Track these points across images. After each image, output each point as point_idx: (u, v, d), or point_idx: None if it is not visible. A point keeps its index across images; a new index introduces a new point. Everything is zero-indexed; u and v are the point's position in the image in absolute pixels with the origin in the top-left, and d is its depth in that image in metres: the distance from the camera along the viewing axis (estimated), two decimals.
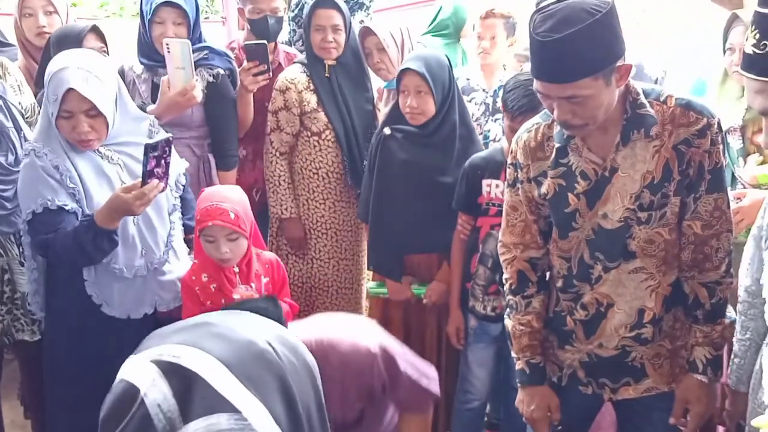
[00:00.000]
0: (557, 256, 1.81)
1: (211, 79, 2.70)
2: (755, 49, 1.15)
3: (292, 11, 3.74)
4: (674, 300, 1.76)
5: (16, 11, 2.70)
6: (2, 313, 2.34)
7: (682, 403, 1.76)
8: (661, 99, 1.65)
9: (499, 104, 2.52)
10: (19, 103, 2.38)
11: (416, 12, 5.18)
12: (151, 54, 2.68)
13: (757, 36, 1.15)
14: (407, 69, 2.52)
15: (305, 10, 3.10)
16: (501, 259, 1.92)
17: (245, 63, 2.81)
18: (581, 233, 1.74)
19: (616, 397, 1.83)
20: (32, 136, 2.12)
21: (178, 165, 2.28)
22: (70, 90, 1.94)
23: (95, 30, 2.64)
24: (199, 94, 2.38)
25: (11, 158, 2.28)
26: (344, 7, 2.98)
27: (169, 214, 2.20)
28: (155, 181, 1.94)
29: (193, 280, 2.18)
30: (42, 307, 2.19)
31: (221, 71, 2.73)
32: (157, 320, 2.14)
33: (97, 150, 2.07)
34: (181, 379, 0.68)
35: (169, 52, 2.35)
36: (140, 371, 0.71)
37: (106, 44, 2.63)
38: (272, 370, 0.71)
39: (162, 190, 2.00)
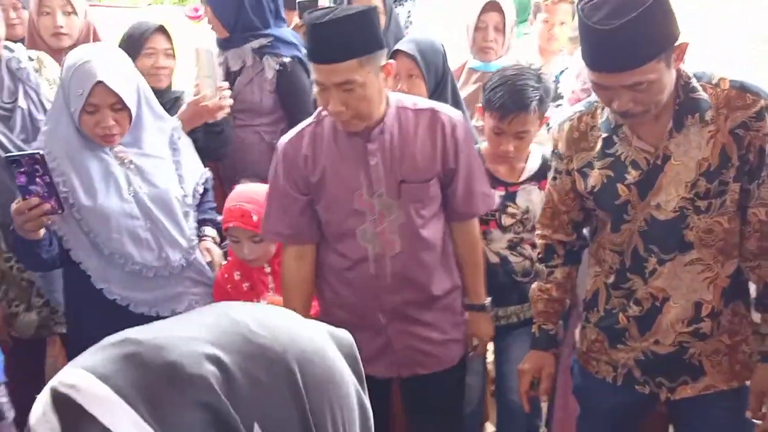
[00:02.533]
0: (609, 250, 1.74)
1: (278, 67, 2.65)
2: None
3: None
4: (733, 293, 1.68)
5: (32, 6, 2.61)
6: (39, 306, 2.31)
7: (759, 396, 1.68)
8: (714, 82, 1.57)
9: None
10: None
11: None
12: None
13: None
14: (399, 51, 2.44)
15: None
16: (536, 229, 1.96)
17: (296, 21, 2.82)
18: (633, 225, 1.67)
19: (674, 396, 1.75)
20: (40, 136, 2.06)
21: (196, 173, 2.21)
22: (98, 83, 1.90)
23: (162, 30, 2.52)
24: (227, 101, 2.31)
25: None
26: None
27: (186, 219, 2.12)
28: (35, 199, 1.82)
29: (225, 278, 2.15)
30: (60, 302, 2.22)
31: (287, 59, 2.67)
32: None
33: (111, 149, 2.02)
34: (72, 414, 0.58)
35: (198, 59, 2.27)
36: (40, 399, 0.61)
37: (172, 45, 2.53)
38: (197, 399, 0.55)
39: (52, 212, 1.86)
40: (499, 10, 2.89)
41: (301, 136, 1.96)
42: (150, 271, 2.05)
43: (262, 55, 2.64)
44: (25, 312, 2.27)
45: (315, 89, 1.87)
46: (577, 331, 1.94)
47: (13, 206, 1.83)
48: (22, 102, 2.22)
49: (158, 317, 2.04)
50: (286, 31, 2.80)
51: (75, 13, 2.59)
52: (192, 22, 5.58)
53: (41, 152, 1.82)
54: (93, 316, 2.04)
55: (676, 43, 1.47)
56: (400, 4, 3.50)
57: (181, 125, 2.23)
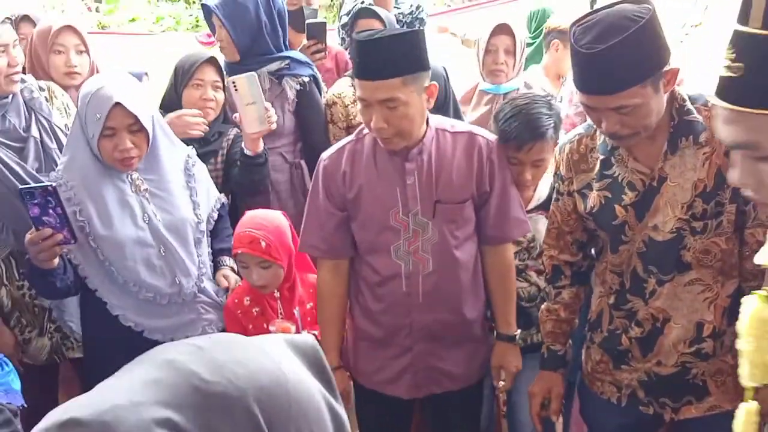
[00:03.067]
0: (609, 271, 1.75)
1: (298, 87, 2.70)
2: (729, 72, 0.92)
3: (340, 19, 3.75)
4: (735, 312, 1.66)
5: (37, 43, 2.62)
6: (51, 331, 2.35)
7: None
8: (709, 104, 1.57)
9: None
10: (65, 125, 2.40)
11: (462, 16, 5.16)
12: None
13: (734, 57, 0.92)
14: None
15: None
16: (543, 250, 1.97)
17: (304, 42, 2.89)
18: (632, 246, 1.68)
19: (678, 416, 1.75)
20: (61, 163, 2.10)
21: (210, 198, 2.24)
22: (115, 105, 1.94)
23: (212, 62, 2.53)
24: (273, 117, 2.30)
25: None
26: (387, 15, 2.94)
27: (197, 246, 2.15)
28: (48, 230, 1.86)
29: (235, 303, 2.17)
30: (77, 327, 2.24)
31: (306, 78, 2.73)
32: None
33: (129, 176, 2.05)
34: None
35: (236, 90, 2.22)
36: None
37: (222, 78, 2.55)
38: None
39: (65, 243, 1.89)
40: (509, 32, 2.92)
41: (341, 153, 2.00)
42: (164, 299, 2.08)
43: (280, 78, 2.69)
44: (38, 337, 2.31)
45: (358, 105, 1.90)
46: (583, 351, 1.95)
47: (27, 237, 1.87)
48: (34, 131, 2.26)
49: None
50: (299, 53, 2.86)
51: (87, 52, 2.64)
52: (205, 47, 5.67)
53: (53, 184, 1.86)
54: (109, 341, 2.06)
55: (666, 68, 1.48)
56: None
57: (194, 151, 2.24)
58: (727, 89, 0.93)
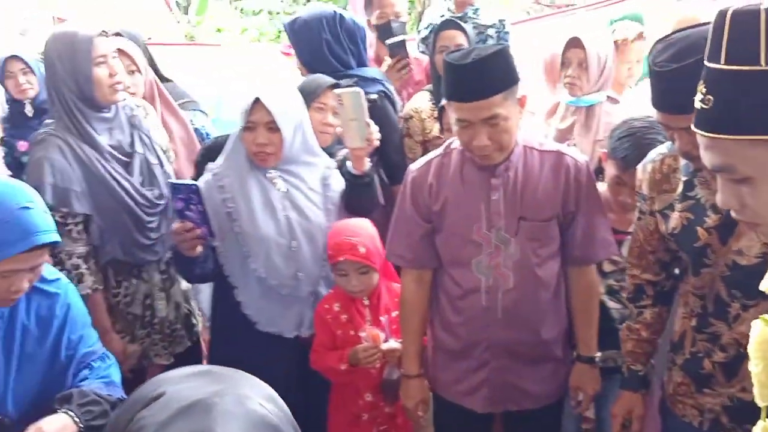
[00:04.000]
0: (690, 293, 1.73)
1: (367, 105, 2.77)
2: (702, 105, 1.03)
3: (419, 32, 3.81)
4: None
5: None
6: (142, 337, 2.48)
7: None
8: None
9: None
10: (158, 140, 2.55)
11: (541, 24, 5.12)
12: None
13: (704, 90, 1.03)
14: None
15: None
16: (626, 268, 1.97)
17: (388, 60, 2.98)
18: (714, 270, 1.65)
19: None
20: (221, 156, 2.26)
21: (343, 210, 2.35)
22: (256, 100, 2.11)
23: (336, 87, 2.55)
24: (376, 135, 2.32)
25: (156, 192, 2.42)
26: (469, 29, 2.97)
27: (324, 251, 2.26)
28: (190, 224, 2.02)
29: (325, 309, 2.24)
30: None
31: (374, 95, 2.76)
32: (301, 341, 2.27)
33: (269, 173, 2.21)
34: None
35: (341, 103, 2.24)
36: None
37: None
38: None
39: (201, 237, 2.04)
40: (581, 46, 2.90)
41: (428, 166, 2.06)
42: (284, 288, 2.23)
43: None
44: (130, 344, 2.44)
45: (454, 127, 1.91)
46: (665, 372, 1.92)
47: (173, 226, 2.07)
48: (139, 147, 2.41)
49: (280, 337, 2.25)
50: (369, 70, 2.91)
51: (139, 71, 2.74)
52: (287, 58, 5.83)
53: (197, 184, 2.05)
54: (231, 329, 2.26)
55: None
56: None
57: (335, 164, 2.36)
58: (701, 119, 1.04)
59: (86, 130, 2.28)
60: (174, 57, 4.04)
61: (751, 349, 1.15)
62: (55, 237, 1.62)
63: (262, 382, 0.78)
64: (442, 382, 2.14)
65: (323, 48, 2.76)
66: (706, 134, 1.03)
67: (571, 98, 2.95)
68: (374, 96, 2.76)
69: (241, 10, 9.07)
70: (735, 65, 0.98)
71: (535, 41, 4.80)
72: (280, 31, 7.71)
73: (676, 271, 1.89)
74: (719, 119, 1.01)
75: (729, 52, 0.99)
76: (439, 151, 2.09)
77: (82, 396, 1.66)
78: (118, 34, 2.44)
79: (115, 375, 1.85)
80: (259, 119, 2.12)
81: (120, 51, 2.57)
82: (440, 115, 2.85)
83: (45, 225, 1.61)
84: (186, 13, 8.69)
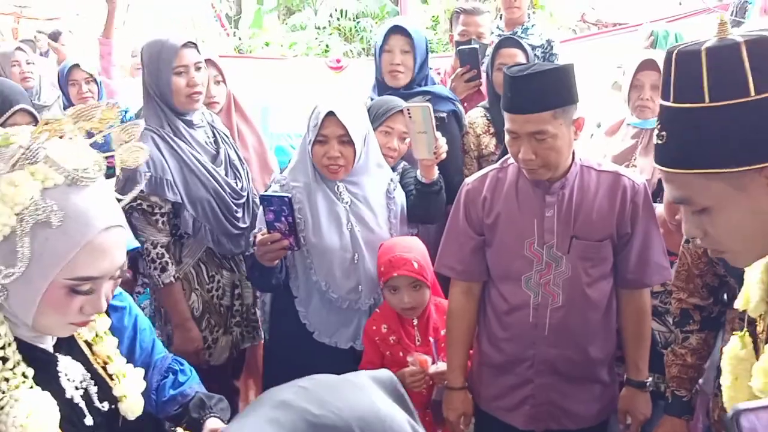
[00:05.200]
0: (738, 319, 1.72)
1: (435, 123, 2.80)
2: (658, 140, 1.10)
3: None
4: None
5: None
6: (232, 326, 2.58)
7: None
8: None
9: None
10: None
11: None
12: (380, 89, 2.83)
13: (659, 127, 1.10)
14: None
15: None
16: (672, 292, 1.96)
17: (458, 68, 2.98)
18: None
19: None
20: (289, 166, 2.36)
21: (404, 224, 2.39)
22: (329, 114, 2.16)
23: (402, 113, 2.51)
24: (443, 148, 2.37)
25: (241, 184, 2.55)
26: (528, 48, 2.99)
27: None
28: (277, 234, 2.07)
29: (373, 330, 2.23)
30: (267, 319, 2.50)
31: (443, 114, 2.80)
32: (356, 353, 2.30)
33: (337, 186, 2.26)
34: None
35: (410, 117, 2.30)
36: None
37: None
38: None
39: (288, 249, 2.11)
40: (656, 68, 2.87)
41: (484, 179, 2.08)
42: (344, 302, 2.26)
43: None
44: (223, 336, 2.55)
45: (506, 137, 1.94)
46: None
47: (258, 237, 2.14)
48: (222, 146, 2.54)
49: (336, 348, 2.28)
50: (442, 89, 2.95)
51: (224, 81, 2.88)
52: (333, 72, 5.91)
53: (290, 196, 2.12)
54: (288, 336, 2.31)
55: None
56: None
57: (398, 177, 2.43)
58: (659, 154, 1.11)
59: (176, 126, 2.42)
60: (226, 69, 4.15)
61: (724, 363, 1.23)
62: (135, 243, 1.68)
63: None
64: (485, 396, 2.14)
65: (425, 64, 2.85)
66: (664, 168, 1.10)
67: (637, 120, 2.93)
68: (443, 114, 2.80)
69: (291, 25, 9.22)
70: (682, 103, 1.05)
71: (581, 60, 4.82)
72: (328, 46, 7.83)
73: (725, 296, 1.87)
74: (674, 154, 1.07)
75: (676, 90, 1.06)
76: (496, 165, 2.11)
77: (209, 398, 1.65)
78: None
79: (196, 375, 1.91)
80: (331, 133, 2.18)
81: (208, 61, 2.71)
82: (497, 130, 2.87)
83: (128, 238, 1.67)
84: (236, 27, 8.85)
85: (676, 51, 1.06)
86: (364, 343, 2.27)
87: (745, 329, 1.21)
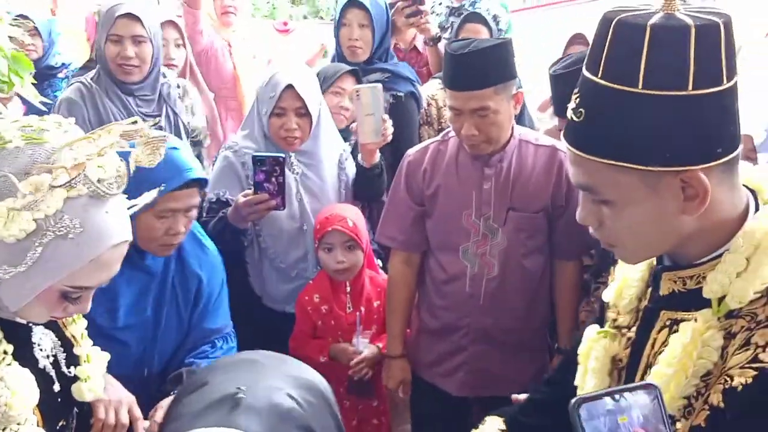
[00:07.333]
0: None
1: (391, 100, 2.72)
2: (573, 116, 0.95)
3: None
4: None
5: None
6: None
7: None
8: None
9: None
10: (188, 122, 2.60)
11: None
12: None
13: (578, 101, 0.95)
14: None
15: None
16: None
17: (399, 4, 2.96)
18: None
19: None
20: (239, 134, 2.35)
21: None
22: (287, 87, 2.15)
23: (354, 74, 2.60)
24: (389, 130, 2.34)
25: None
26: (492, 23, 2.97)
27: None
28: (266, 195, 2.07)
29: (305, 299, 2.24)
30: None
31: (401, 93, 2.76)
32: None
33: (288, 156, 2.22)
34: None
35: (358, 98, 2.25)
36: None
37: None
38: (298, 424, 0.73)
39: (275, 208, 2.10)
40: (585, 42, 2.90)
41: (425, 151, 2.11)
42: (293, 270, 2.28)
43: None
44: None
45: (448, 114, 1.98)
46: None
47: (241, 197, 2.09)
48: (163, 122, 2.48)
49: (284, 313, 2.30)
50: (402, 66, 2.88)
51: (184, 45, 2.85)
52: (280, 35, 5.79)
53: (284, 156, 2.09)
54: (236, 303, 2.26)
55: None
56: None
57: (350, 147, 2.42)
58: (570, 132, 0.97)
59: (113, 90, 2.40)
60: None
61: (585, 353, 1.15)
62: (204, 174, 1.71)
63: (304, 367, 0.82)
64: (422, 362, 2.19)
65: (385, 38, 2.81)
66: (574, 150, 0.96)
67: None
68: (401, 94, 2.77)
69: None
70: (612, 83, 0.90)
71: (530, 32, 4.83)
72: (274, 7, 7.66)
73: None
74: (589, 138, 0.94)
75: (608, 65, 0.91)
76: (438, 138, 2.14)
77: (189, 375, 1.70)
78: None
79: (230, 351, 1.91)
80: (289, 105, 2.18)
81: (170, 23, 2.71)
82: None
83: (194, 163, 1.69)
84: None
85: (617, 19, 0.90)
86: (296, 313, 2.27)
87: (609, 325, 1.15)
